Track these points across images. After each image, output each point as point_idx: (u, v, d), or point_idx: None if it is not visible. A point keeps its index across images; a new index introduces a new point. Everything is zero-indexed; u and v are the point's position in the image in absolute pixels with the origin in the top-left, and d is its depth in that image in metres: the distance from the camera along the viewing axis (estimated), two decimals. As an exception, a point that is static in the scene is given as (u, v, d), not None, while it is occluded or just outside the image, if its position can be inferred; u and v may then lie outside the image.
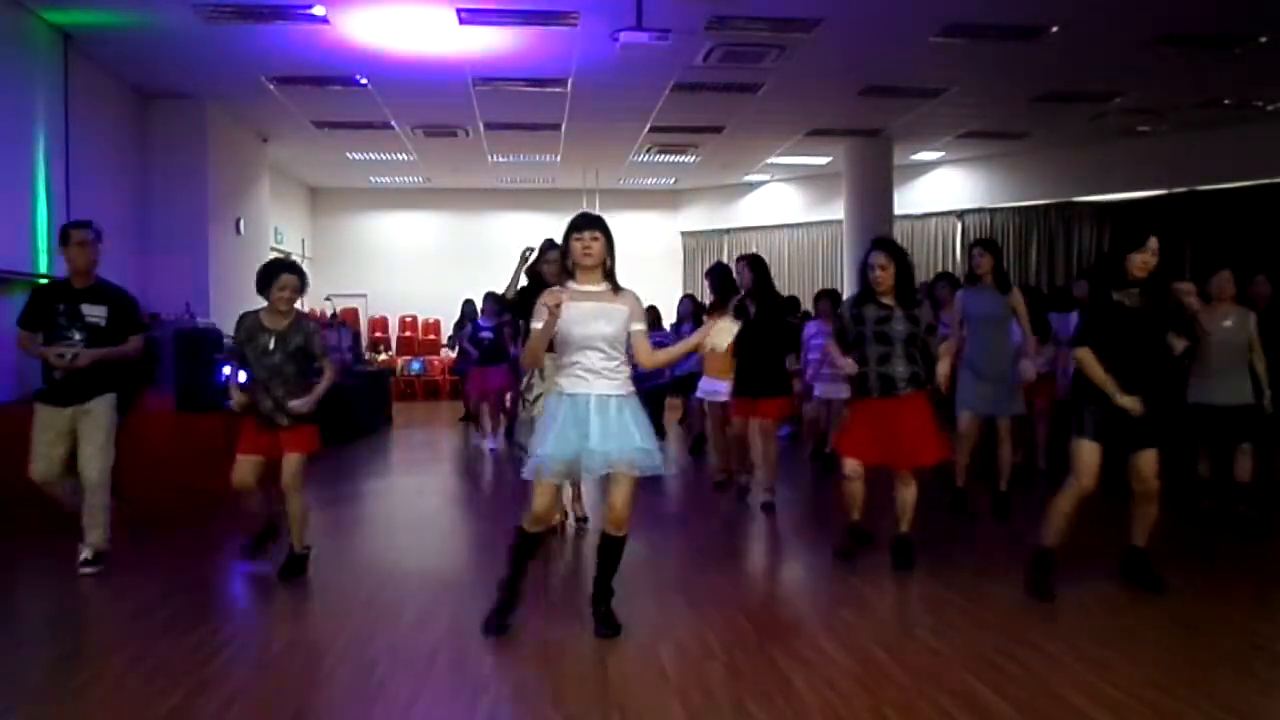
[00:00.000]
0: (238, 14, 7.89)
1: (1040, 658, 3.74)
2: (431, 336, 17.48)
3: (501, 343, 9.67)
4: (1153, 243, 4.37)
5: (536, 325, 3.87)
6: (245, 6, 7.76)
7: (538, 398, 5.63)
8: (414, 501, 7.70)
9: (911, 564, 5.05)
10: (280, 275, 4.84)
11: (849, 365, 5.08)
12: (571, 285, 3.97)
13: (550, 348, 4.00)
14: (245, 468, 4.92)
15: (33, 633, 4.34)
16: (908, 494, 5.09)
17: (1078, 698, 3.34)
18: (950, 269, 14.49)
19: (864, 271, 5.10)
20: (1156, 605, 4.42)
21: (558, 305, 3.75)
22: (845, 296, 8.25)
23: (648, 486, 7.81)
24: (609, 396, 3.90)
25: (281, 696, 3.42)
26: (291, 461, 4.90)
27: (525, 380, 5.87)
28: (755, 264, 6.65)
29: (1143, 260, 4.36)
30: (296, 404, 4.81)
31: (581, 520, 6.19)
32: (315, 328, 4.99)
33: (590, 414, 3.85)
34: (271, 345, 4.81)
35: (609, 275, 4.01)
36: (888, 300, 5.02)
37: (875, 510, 5.30)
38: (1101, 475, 4.44)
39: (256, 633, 4.33)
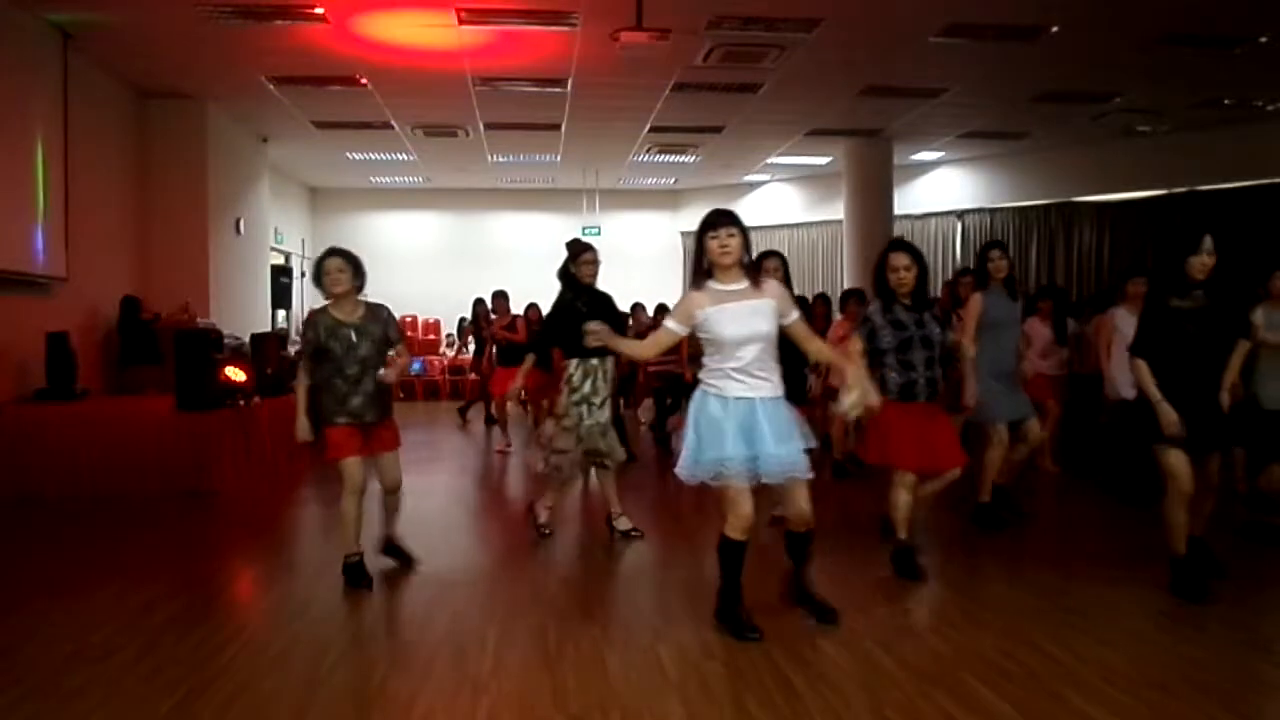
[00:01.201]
0: (238, 13, 7.89)
1: (1040, 658, 3.74)
2: (431, 336, 17.47)
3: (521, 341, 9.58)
4: (1208, 243, 4.41)
5: (672, 325, 3.94)
6: (245, 6, 7.75)
7: (578, 401, 5.62)
8: (414, 502, 7.68)
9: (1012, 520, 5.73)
10: (324, 261, 4.77)
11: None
12: (712, 286, 3.90)
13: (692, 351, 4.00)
14: (358, 468, 4.78)
15: (33, 633, 4.33)
16: (949, 478, 5.03)
17: (1078, 698, 3.34)
18: (950, 269, 14.51)
19: (881, 274, 4.93)
20: (1157, 606, 4.42)
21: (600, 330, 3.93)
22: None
23: (646, 487, 7.82)
24: (773, 399, 3.86)
25: (281, 696, 3.42)
26: (393, 461, 4.95)
27: (563, 384, 5.76)
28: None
29: (1201, 263, 4.41)
30: (384, 373, 4.72)
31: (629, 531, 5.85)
32: (390, 313, 4.90)
33: (759, 419, 3.80)
34: (355, 337, 4.71)
35: (748, 271, 3.93)
36: (909, 303, 4.91)
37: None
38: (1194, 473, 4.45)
39: (256, 633, 4.32)
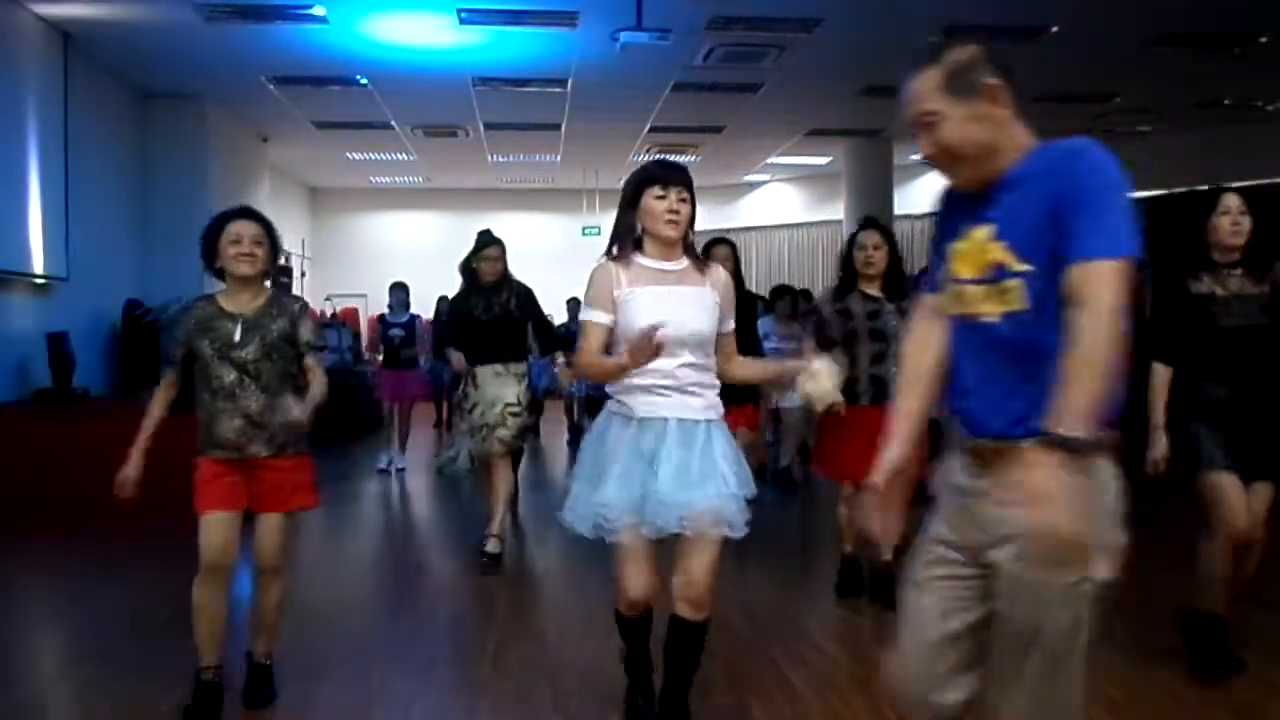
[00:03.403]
0: (238, 14, 7.89)
1: (1040, 658, 3.73)
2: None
3: (413, 342, 8.89)
4: (1231, 199, 3.49)
5: (593, 316, 2.83)
6: (245, 6, 7.75)
7: (473, 407, 5.22)
8: (414, 501, 7.70)
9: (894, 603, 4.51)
10: (230, 225, 3.23)
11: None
12: (639, 261, 2.86)
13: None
14: (219, 532, 3.17)
15: (33, 632, 4.33)
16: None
17: (1078, 698, 3.33)
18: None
19: (849, 255, 4.44)
20: (1157, 606, 4.41)
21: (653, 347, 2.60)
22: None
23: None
24: (695, 422, 2.80)
25: (281, 697, 3.41)
26: (272, 526, 3.27)
27: (461, 387, 5.36)
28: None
29: (1231, 223, 3.46)
30: (295, 409, 3.13)
31: (491, 557, 5.15)
32: (304, 307, 3.40)
33: (666, 446, 2.75)
34: (238, 334, 3.20)
35: (690, 249, 2.92)
36: (874, 290, 4.37)
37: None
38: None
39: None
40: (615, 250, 2.92)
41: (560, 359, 5.70)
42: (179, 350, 3.33)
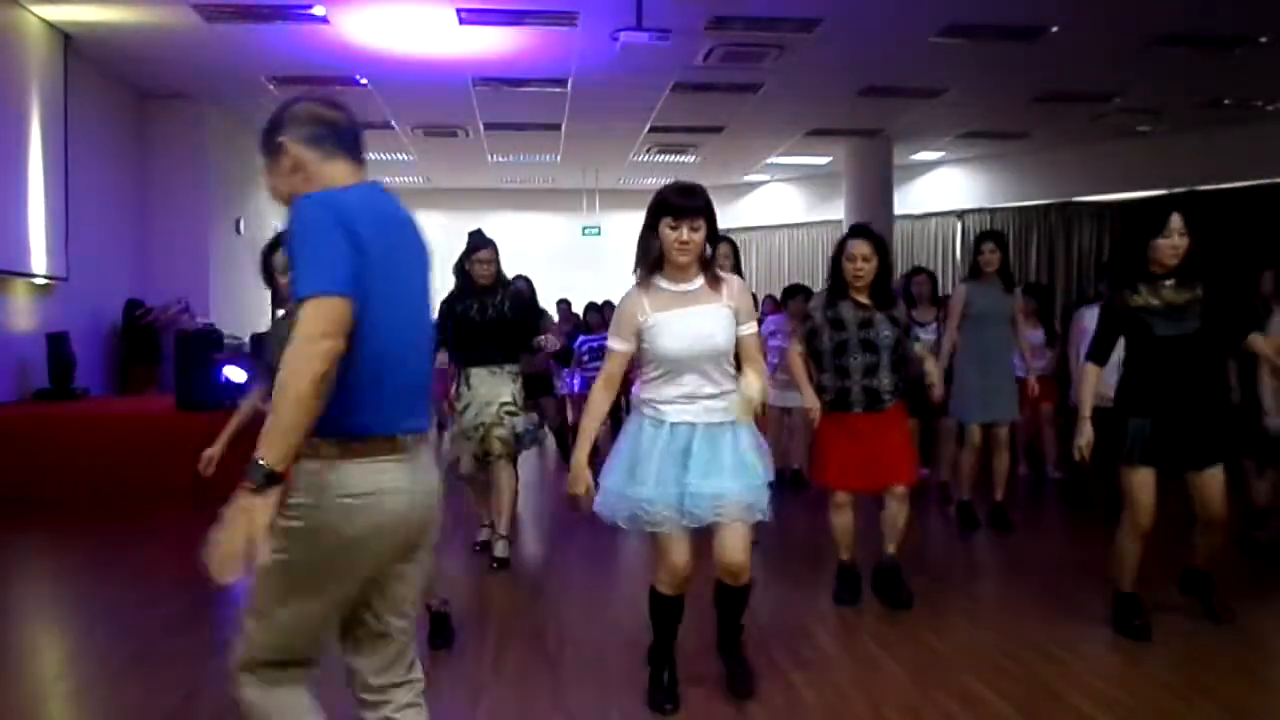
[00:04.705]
0: (238, 14, 7.89)
1: (1040, 658, 3.74)
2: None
3: None
4: (1175, 222, 3.75)
5: (615, 344, 3.15)
6: (245, 6, 7.76)
7: (465, 408, 5.20)
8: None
9: (909, 600, 4.39)
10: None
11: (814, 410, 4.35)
12: (659, 284, 3.15)
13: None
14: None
15: (33, 632, 4.33)
16: (900, 513, 4.40)
17: (1078, 698, 3.34)
18: (950, 269, 14.52)
19: (837, 263, 4.35)
20: (1157, 606, 4.41)
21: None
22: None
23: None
24: (720, 424, 3.14)
25: (281, 696, 3.41)
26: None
27: (453, 388, 5.32)
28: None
29: (1171, 246, 3.76)
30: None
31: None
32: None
33: (696, 446, 3.10)
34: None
35: (706, 265, 3.16)
36: (864, 299, 4.30)
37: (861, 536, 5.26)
38: (1159, 502, 3.86)
39: (256, 633, 4.33)
40: (640, 275, 3.17)
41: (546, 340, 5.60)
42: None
